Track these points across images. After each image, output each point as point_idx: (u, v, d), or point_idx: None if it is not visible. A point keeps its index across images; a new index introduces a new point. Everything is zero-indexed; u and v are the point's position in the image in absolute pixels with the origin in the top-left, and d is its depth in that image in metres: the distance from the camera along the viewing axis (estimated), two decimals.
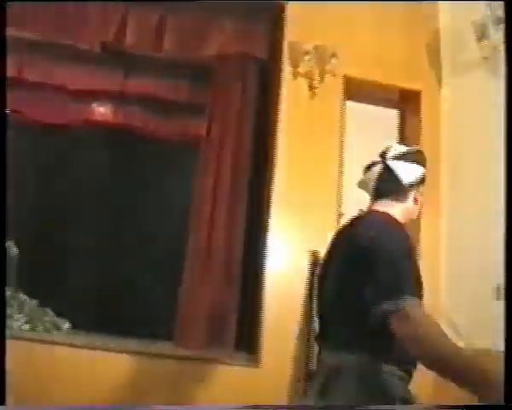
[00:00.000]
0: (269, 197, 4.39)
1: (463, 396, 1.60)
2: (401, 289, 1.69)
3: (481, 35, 4.23)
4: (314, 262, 4.17)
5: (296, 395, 3.98)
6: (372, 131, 4.88)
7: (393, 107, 5.05)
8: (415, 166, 2.14)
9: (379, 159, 2.15)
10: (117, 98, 5.35)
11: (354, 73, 4.66)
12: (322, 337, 2.01)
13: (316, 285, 1.88)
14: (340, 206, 4.47)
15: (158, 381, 4.01)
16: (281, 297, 4.20)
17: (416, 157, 2.18)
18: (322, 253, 4.08)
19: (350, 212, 4.57)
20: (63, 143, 5.48)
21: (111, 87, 5.23)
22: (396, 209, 2.10)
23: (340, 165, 4.54)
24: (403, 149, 2.20)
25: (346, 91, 4.67)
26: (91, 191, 5.61)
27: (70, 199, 5.56)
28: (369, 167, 2.17)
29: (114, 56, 5.08)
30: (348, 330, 1.85)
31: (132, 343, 4.39)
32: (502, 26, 4.10)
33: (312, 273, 4.16)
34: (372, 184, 2.12)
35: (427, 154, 4.79)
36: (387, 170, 2.09)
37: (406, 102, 5.00)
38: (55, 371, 3.95)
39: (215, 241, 4.44)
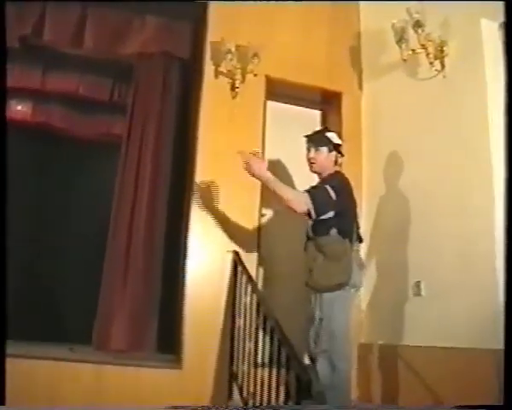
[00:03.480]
0: (189, 198, 4.35)
1: None
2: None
3: (400, 38, 4.33)
4: (235, 262, 4.16)
5: (220, 395, 3.97)
6: (294, 132, 4.91)
7: (315, 107, 5.11)
8: None
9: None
10: (36, 96, 5.20)
11: (276, 73, 4.68)
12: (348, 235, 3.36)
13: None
14: (261, 206, 4.46)
15: (79, 386, 3.89)
16: (202, 298, 4.15)
17: None
18: (246, 253, 4.14)
19: (270, 212, 4.63)
20: None
21: (30, 84, 5.07)
22: None
23: None
24: None
25: (267, 91, 4.68)
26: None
27: None
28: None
29: (33, 52, 4.93)
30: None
31: (53, 350, 4.28)
32: (420, 30, 4.22)
33: (235, 273, 4.16)
34: None
35: (348, 154, 4.87)
36: None
37: (328, 103, 5.08)
38: None
39: (135, 241, 4.39)
